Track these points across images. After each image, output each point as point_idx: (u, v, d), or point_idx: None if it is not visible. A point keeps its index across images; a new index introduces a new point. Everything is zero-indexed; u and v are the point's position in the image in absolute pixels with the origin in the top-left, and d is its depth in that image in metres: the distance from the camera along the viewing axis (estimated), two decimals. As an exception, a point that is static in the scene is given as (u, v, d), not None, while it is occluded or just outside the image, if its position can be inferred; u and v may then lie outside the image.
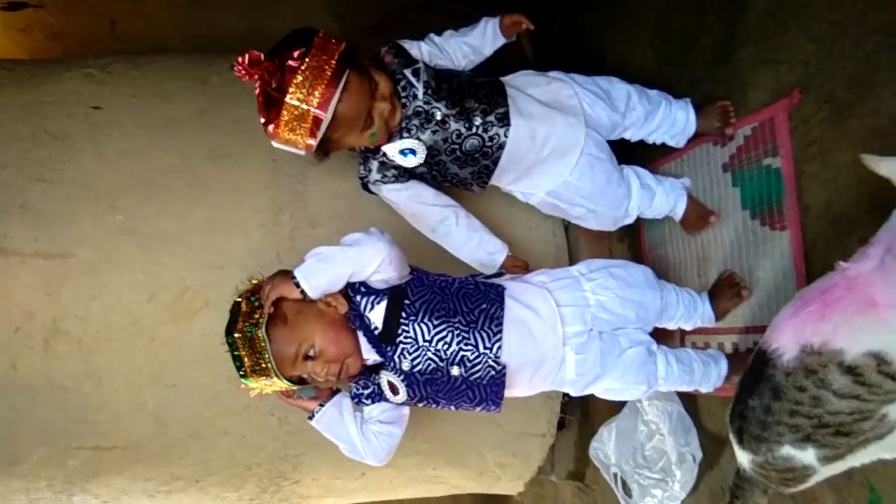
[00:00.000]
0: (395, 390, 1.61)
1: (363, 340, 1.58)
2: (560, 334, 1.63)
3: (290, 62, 1.53)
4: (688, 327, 1.90)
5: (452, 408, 1.66)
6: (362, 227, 1.57)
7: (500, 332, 1.57)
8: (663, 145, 2.00)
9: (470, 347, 1.55)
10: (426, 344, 1.54)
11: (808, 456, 1.20)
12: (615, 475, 2.05)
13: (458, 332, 1.55)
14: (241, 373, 1.50)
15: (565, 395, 2.17)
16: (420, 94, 1.72)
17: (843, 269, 1.17)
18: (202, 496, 2.05)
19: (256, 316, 1.50)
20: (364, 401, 1.66)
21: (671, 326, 1.89)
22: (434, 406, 1.66)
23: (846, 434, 1.16)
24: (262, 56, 1.57)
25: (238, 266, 1.87)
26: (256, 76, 1.56)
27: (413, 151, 1.74)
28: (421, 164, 1.77)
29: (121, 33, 3.09)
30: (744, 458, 1.30)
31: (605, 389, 1.73)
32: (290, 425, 1.97)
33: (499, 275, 1.81)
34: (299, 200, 1.99)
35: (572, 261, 2.20)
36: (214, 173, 1.96)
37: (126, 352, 1.86)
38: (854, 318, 1.11)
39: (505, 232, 1.99)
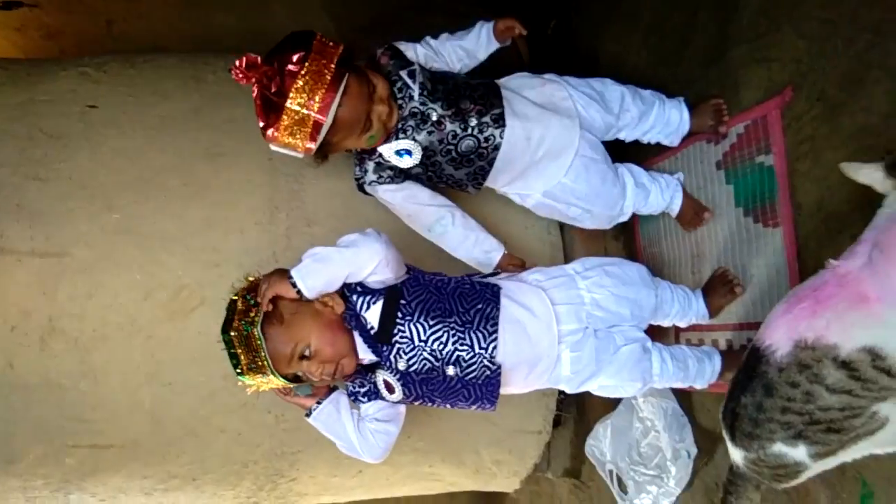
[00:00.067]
0: (391, 389, 1.62)
1: (359, 340, 1.58)
2: (555, 333, 1.64)
3: (290, 66, 1.53)
4: (682, 324, 1.91)
5: (448, 406, 1.67)
6: (358, 226, 1.58)
7: (496, 332, 1.57)
8: (658, 144, 2.01)
9: (465, 347, 1.56)
10: (422, 344, 1.55)
11: (799, 453, 1.21)
12: (611, 472, 2.06)
13: (453, 332, 1.56)
14: (238, 370, 1.51)
15: (561, 392, 2.18)
16: (416, 95, 1.72)
17: (834, 266, 1.18)
18: (199, 494, 2.05)
19: (252, 314, 1.50)
20: (360, 399, 1.67)
21: (666, 323, 1.90)
22: (430, 404, 1.67)
23: (837, 431, 1.17)
24: (259, 59, 1.56)
25: (234, 264, 1.88)
26: (254, 80, 1.56)
27: (409, 152, 1.75)
28: (417, 165, 1.77)
29: (116, 33, 3.09)
30: (736, 454, 1.31)
31: (600, 387, 1.74)
32: (286, 423, 1.98)
33: (494, 274, 1.82)
34: (296, 199, 1.99)
35: (567, 259, 2.21)
36: (211, 172, 1.96)
37: (122, 350, 1.86)
38: (846, 314, 1.12)
39: (500, 231, 2.00)
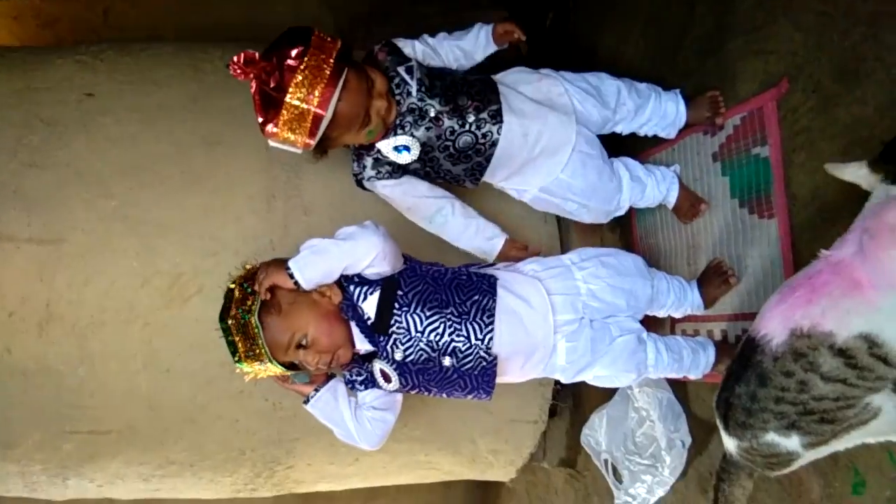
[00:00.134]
0: (387, 378, 1.63)
1: (356, 330, 1.59)
2: (551, 323, 1.65)
3: (289, 61, 1.53)
4: (677, 315, 1.92)
5: (444, 395, 1.68)
6: (356, 214, 1.59)
7: (492, 323, 1.58)
8: (654, 136, 2.01)
9: (462, 339, 1.57)
10: (418, 335, 1.56)
11: (792, 442, 1.23)
12: (606, 461, 2.07)
13: (450, 323, 1.57)
14: (236, 358, 1.52)
15: (557, 382, 2.19)
16: (414, 91, 1.72)
17: (826, 256, 1.19)
18: (196, 480, 2.06)
19: (249, 303, 1.51)
20: (357, 387, 1.68)
21: (661, 314, 1.91)
22: (426, 393, 1.68)
23: (830, 421, 1.18)
24: (258, 55, 1.56)
25: (232, 252, 1.89)
26: (252, 75, 1.55)
27: (407, 148, 1.75)
28: (415, 161, 1.78)
29: (113, 22, 3.08)
30: (730, 443, 1.32)
31: (595, 377, 1.75)
32: (283, 411, 1.99)
33: (491, 264, 1.82)
34: (293, 187, 1.99)
35: (564, 250, 2.21)
36: (208, 160, 1.96)
37: (120, 337, 1.87)
38: (841, 301, 1.13)
39: (497, 222, 1.99)
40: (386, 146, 1.75)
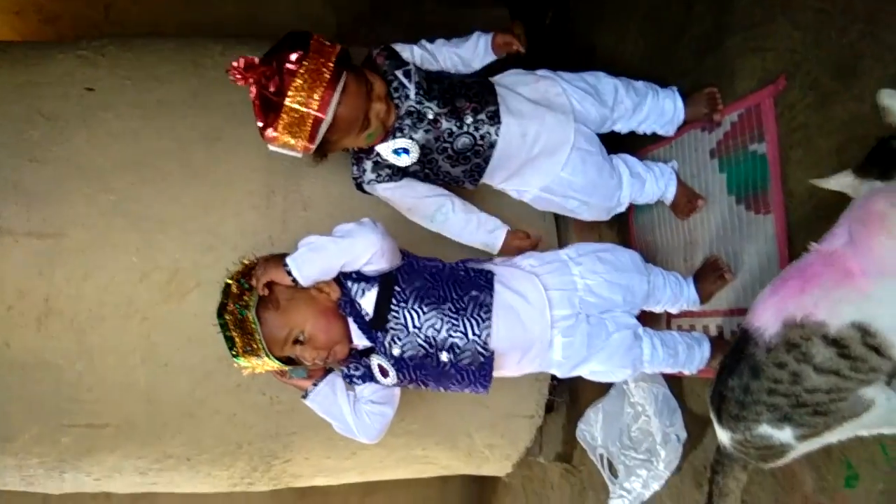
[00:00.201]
0: (385, 373, 1.63)
1: (353, 326, 1.60)
2: (548, 318, 1.65)
3: (289, 65, 1.54)
4: (674, 310, 1.93)
5: (441, 389, 1.68)
6: (354, 210, 1.59)
7: (489, 318, 1.59)
8: (653, 134, 2.02)
9: (459, 334, 1.57)
10: (416, 330, 1.57)
11: (785, 434, 1.23)
12: (601, 456, 2.07)
13: (447, 318, 1.57)
14: (234, 352, 1.53)
15: (554, 377, 2.20)
16: (412, 94, 1.73)
17: (817, 249, 1.19)
18: (193, 474, 2.07)
19: (246, 298, 1.52)
20: (355, 381, 1.69)
21: (657, 310, 1.92)
22: (423, 388, 1.68)
23: (823, 414, 1.19)
24: (257, 60, 1.57)
25: (230, 247, 1.89)
26: (252, 80, 1.56)
27: (406, 151, 1.76)
28: (414, 163, 1.78)
29: (114, 17, 3.09)
30: (723, 435, 1.33)
31: (591, 372, 1.75)
32: (281, 405, 1.99)
33: (489, 259, 1.83)
34: (292, 183, 2.00)
35: (562, 245, 2.22)
36: (208, 156, 1.96)
37: (118, 331, 1.87)
38: (833, 291, 1.14)
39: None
40: (385, 149, 1.76)
